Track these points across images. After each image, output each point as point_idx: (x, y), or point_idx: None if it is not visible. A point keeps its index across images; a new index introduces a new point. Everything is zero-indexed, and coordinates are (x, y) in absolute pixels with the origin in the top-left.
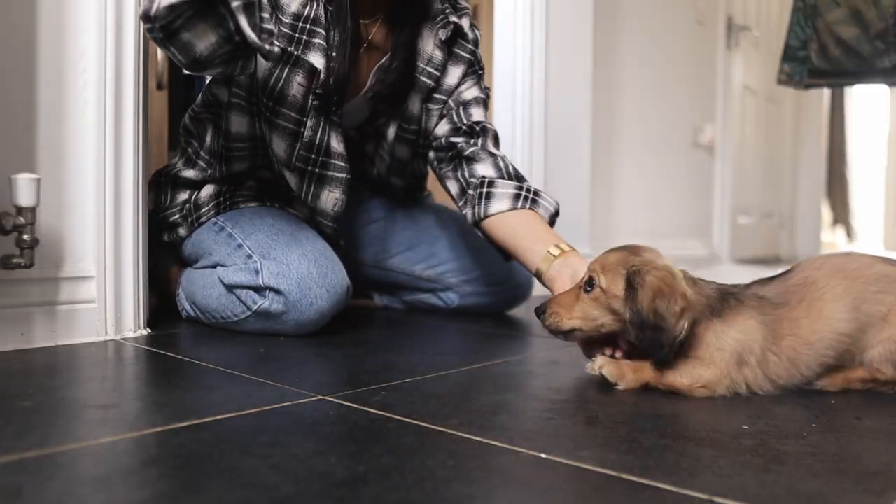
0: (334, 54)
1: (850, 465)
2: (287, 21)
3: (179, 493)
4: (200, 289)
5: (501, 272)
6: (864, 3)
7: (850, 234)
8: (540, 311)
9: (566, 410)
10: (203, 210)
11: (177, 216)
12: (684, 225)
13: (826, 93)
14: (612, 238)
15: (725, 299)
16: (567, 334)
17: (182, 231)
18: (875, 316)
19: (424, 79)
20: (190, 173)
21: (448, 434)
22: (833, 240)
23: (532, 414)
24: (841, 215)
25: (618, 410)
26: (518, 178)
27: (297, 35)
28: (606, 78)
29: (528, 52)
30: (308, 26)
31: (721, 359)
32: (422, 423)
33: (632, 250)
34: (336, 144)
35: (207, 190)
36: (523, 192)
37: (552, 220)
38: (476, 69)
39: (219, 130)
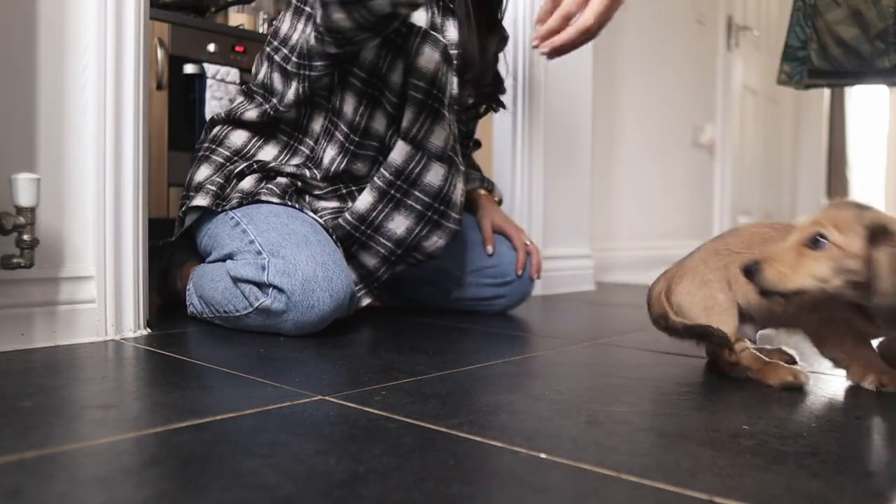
0: None
1: (850, 465)
2: None
3: (179, 493)
4: (209, 281)
5: (503, 268)
6: (864, 3)
7: None
8: (754, 269)
9: (566, 410)
10: (235, 189)
11: (220, 163)
12: (684, 225)
13: (826, 93)
14: (612, 238)
15: None
16: (785, 296)
17: (213, 176)
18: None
19: None
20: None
21: (448, 434)
22: None
23: (532, 414)
24: None
25: (618, 410)
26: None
27: None
28: (606, 78)
29: (529, 52)
30: None
31: None
32: (422, 423)
33: (860, 205)
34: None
35: (249, 181)
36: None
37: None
38: None
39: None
